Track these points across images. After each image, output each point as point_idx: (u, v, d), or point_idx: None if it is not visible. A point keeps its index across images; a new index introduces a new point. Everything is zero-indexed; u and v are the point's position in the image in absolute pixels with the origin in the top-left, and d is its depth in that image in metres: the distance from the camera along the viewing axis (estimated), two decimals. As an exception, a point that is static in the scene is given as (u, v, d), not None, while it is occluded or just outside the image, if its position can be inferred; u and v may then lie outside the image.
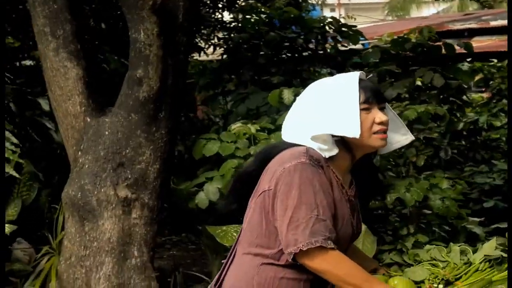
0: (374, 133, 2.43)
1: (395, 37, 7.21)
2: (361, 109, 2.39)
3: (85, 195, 4.79)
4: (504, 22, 18.17)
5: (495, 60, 10.70)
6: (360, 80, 2.45)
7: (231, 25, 9.13)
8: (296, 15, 7.66)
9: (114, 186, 4.79)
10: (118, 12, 8.46)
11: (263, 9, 7.85)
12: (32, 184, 5.26)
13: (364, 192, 2.66)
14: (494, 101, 10.29)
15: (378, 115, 2.43)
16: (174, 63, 5.01)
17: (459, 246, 2.64)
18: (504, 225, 5.72)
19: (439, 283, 2.40)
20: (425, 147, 5.83)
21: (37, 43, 5.10)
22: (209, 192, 4.98)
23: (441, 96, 6.41)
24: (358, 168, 2.57)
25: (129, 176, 4.82)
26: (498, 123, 9.80)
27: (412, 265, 2.62)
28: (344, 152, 2.44)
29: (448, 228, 5.52)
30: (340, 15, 18.72)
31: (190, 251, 6.74)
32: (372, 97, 2.44)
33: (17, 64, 7.35)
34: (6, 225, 4.82)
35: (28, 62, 7.73)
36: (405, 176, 5.67)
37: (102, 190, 4.79)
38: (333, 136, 2.39)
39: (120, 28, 8.17)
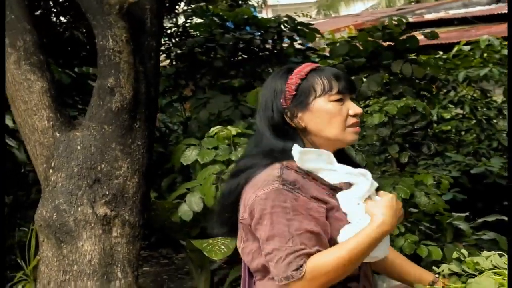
0: (348, 126, 2.27)
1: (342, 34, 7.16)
2: (334, 100, 2.24)
3: (61, 216, 4.52)
4: (439, 14, 18.51)
5: (441, 53, 10.75)
6: (325, 68, 2.32)
7: (172, 30, 8.97)
8: (250, 15, 7.50)
9: (92, 204, 4.55)
10: (65, 21, 8.21)
11: (215, 11, 7.66)
12: (-1, 207, 4.92)
13: None
14: (442, 93, 10.31)
15: (352, 107, 2.27)
16: (145, 70, 4.84)
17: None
18: (491, 218, 5.66)
19: (515, 295, 2.18)
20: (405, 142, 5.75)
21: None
22: (192, 203, 4.76)
23: (413, 90, 6.34)
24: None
25: (107, 193, 4.59)
26: (448, 115, 9.85)
27: (474, 275, 2.41)
28: None
29: (432, 226, 5.44)
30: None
31: (164, 266, 6.50)
32: (346, 87, 2.28)
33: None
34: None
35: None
36: (383, 173, 5.57)
37: (79, 209, 4.53)
38: None
39: (66, 37, 7.90)
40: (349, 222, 2.17)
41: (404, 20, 6.77)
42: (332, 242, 2.16)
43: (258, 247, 2.20)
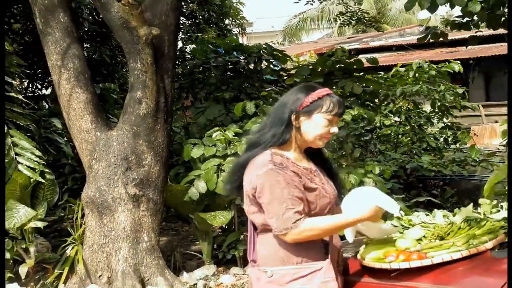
0: (323, 137, 2.62)
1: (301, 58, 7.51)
2: (327, 118, 2.60)
3: (102, 195, 4.95)
4: (380, 42, 19.08)
5: (382, 73, 11.18)
6: (335, 96, 2.66)
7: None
8: (237, 43, 7.94)
9: (125, 186, 4.97)
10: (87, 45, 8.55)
11: (209, 40, 8.07)
12: (54, 188, 5.33)
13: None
14: (384, 105, 10.71)
15: (334, 128, 2.62)
16: (164, 85, 5.21)
17: (441, 212, 2.93)
18: (421, 198, 6.15)
19: (435, 239, 2.66)
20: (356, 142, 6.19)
21: (51, 74, 5.21)
22: (199, 186, 5.21)
23: (359, 101, 6.78)
24: (316, 162, 2.78)
25: (136, 177, 5.01)
26: (388, 122, 10.26)
27: (408, 227, 2.86)
28: (296, 146, 2.67)
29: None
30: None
31: (173, 236, 6.89)
32: (340, 113, 2.64)
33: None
34: (39, 222, 4.90)
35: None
36: (340, 165, 6.02)
37: (116, 189, 4.96)
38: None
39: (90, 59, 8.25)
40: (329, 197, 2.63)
41: (346, 49, 7.28)
42: (316, 212, 2.58)
43: (259, 209, 2.60)
